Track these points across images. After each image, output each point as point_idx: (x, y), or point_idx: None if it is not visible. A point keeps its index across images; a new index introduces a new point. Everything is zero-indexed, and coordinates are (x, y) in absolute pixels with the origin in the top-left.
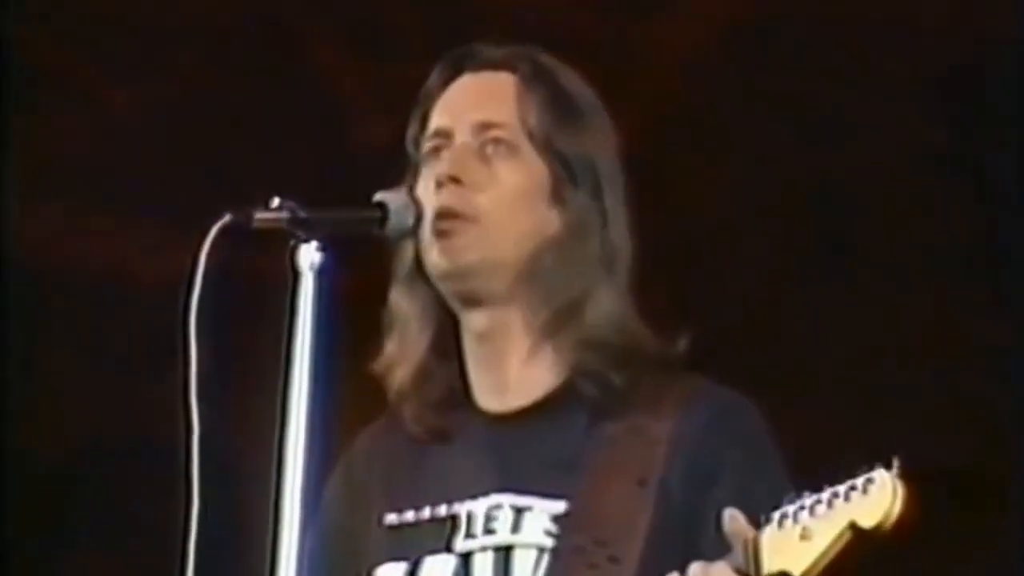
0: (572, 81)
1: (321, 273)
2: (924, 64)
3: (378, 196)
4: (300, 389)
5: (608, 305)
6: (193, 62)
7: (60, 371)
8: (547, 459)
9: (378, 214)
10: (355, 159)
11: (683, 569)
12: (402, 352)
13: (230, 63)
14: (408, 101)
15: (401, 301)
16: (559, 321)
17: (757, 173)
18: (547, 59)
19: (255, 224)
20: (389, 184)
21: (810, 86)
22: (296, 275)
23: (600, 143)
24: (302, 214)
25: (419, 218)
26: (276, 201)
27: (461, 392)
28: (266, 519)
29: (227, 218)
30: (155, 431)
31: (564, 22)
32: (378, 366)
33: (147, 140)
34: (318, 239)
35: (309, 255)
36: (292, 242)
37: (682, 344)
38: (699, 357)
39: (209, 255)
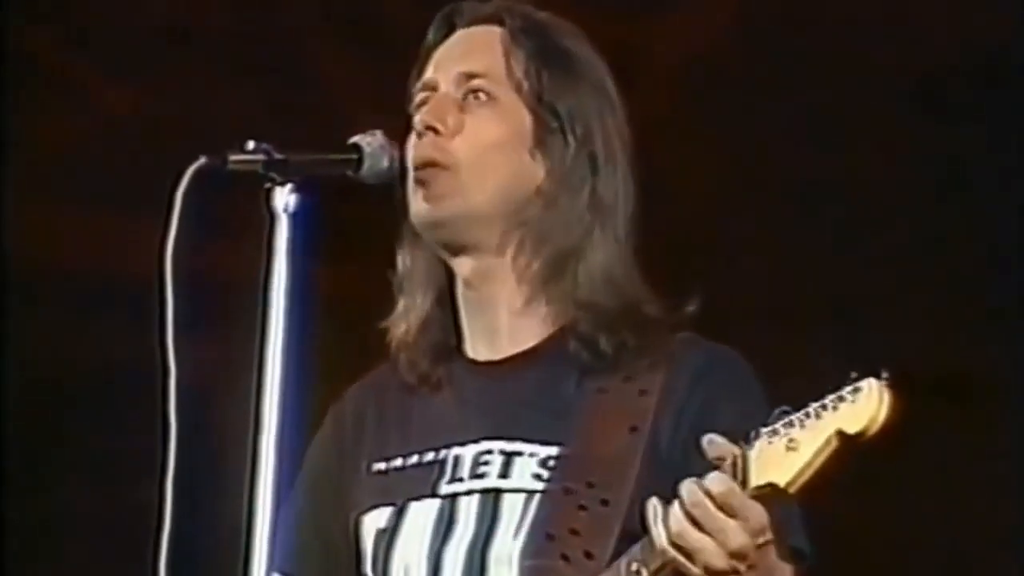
0: (566, 34)
1: (296, 215)
2: (922, 64)
3: (354, 139)
4: (276, 331)
5: (602, 260)
6: (192, 62)
7: (58, 368)
8: (537, 406)
9: (354, 156)
10: None
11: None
12: (407, 308)
13: (229, 63)
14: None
15: (406, 260)
16: (553, 270)
17: (756, 172)
18: (541, 14)
19: (230, 166)
20: None
21: (809, 86)
22: (272, 218)
23: (593, 94)
24: (277, 156)
25: (394, 160)
26: (251, 144)
27: (454, 342)
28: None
29: (202, 160)
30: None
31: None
32: (387, 323)
33: (146, 140)
34: (293, 182)
35: (284, 198)
36: (267, 185)
37: (690, 309)
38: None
39: (185, 197)
